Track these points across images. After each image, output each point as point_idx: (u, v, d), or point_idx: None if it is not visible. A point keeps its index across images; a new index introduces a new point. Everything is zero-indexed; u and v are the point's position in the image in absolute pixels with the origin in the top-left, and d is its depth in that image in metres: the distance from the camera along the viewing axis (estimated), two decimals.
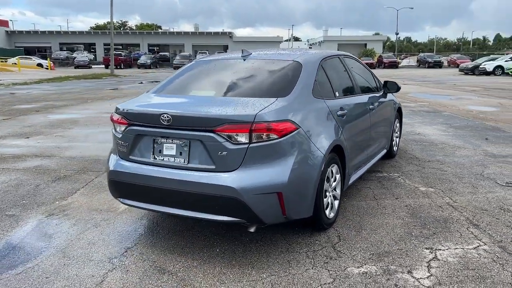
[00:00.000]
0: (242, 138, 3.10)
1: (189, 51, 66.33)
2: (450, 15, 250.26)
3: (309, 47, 72.96)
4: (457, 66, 49.92)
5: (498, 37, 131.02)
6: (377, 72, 40.98)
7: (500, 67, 34.70)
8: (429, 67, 50.88)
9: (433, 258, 3.27)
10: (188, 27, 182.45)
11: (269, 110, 3.18)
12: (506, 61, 35.24)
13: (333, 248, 3.46)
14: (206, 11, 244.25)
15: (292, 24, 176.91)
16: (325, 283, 2.93)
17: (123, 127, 3.59)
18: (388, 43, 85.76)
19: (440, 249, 3.41)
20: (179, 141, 3.31)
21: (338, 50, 66.64)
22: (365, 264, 3.19)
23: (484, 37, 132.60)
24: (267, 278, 3.02)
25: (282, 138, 3.15)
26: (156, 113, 3.35)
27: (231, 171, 3.12)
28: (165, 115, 3.27)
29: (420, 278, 2.98)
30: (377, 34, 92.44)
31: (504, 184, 5.07)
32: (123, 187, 3.56)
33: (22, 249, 3.52)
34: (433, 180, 5.26)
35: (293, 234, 3.72)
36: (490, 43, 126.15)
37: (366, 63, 51.22)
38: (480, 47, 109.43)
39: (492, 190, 4.85)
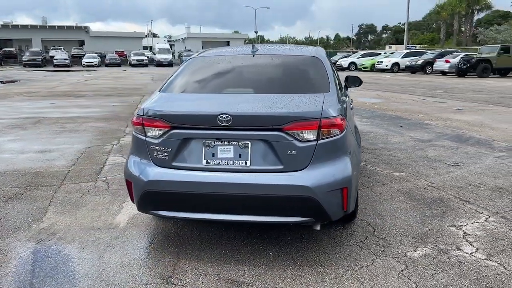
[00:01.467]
0: (310, 135, 3.03)
1: (38, 46, 59.88)
2: (295, 15, 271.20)
3: (170, 44, 71.91)
4: None
5: (337, 37, 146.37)
6: None
7: (353, 63, 39.00)
8: None
9: (464, 234, 3.64)
10: (28, 20, 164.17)
11: (329, 105, 3.16)
12: (358, 58, 39.76)
13: (376, 237, 3.60)
14: (47, 3, 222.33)
15: (150, 20, 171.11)
16: (402, 270, 3.06)
17: (160, 131, 3.19)
18: (247, 41, 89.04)
19: (462, 225, 3.81)
20: (237, 143, 3.08)
21: (202, 47, 66.63)
22: (417, 247, 3.41)
23: (327, 37, 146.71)
24: (346, 273, 3.03)
25: (343, 133, 3.16)
26: (212, 113, 3.06)
27: (301, 169, 3.03)
28: (224, 116, 3.01)
29: (472, 253, 3.30)
30: (236, 32, 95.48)
31: (453, 164, 5.82)
32: (166, 197, 3.18)
33: (44, 285, 2.90)
34: (396, 165, 5.78)
35: (326, 228, 3.75)
36: (332, 42, 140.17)
37: None
38: (324, 46, 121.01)
39: (450, 170, 5.53)
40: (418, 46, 62.18)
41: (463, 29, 47.47)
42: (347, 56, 41.84)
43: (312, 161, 3.04)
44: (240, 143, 3.08)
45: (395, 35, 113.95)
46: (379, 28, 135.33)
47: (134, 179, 3.30)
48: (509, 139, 7.49)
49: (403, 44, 68.39)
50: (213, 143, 3.12)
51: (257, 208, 3.08)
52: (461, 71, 27.21)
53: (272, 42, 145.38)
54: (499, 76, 27.32)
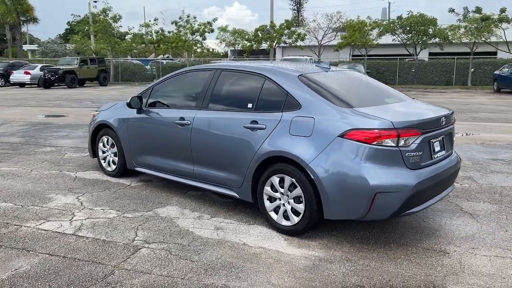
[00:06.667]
0: None
1: None
2: None
3: None
4: None
5: None
6: None
7: None
8: None
9: None
10: None
11: None
12: None
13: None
14: None
15: None
16: None
17: (414, 138, 3.65)
18: None
19: None
20: (440, 138, 4.04)
21: None
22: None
23: None
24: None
25: None
26: (438, 117, 3.95)
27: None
28: (443, 118, 3.98)
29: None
30: None
31: None
32: (419, 195, 3.68)
33: None
34: None
35: None
36: None
37: None
38: None
39: None
40: None
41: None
42: None
43: None
44: (440, 138, 4.06)
45: None
46: None
47: (392, 188, 3.53)
48: None
49: None
50: (433, 140, 3.92)
51: (449, 184, 4.21)
52: (47, 83, 27.19)
53: None
54: (80, 86, 29.11)
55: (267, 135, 4.05)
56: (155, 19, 33.75)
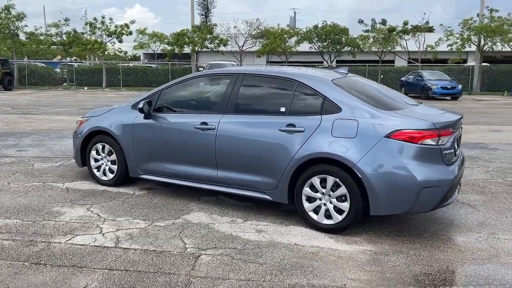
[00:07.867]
0: None
1: None
2: None
3: None
4: None
5: None
6: None
7: None
8: None
9: None
10: None
11: None
12: None
13: None
14: None
15: None
16: None
17: (448, 137, 4.06)
18: None
19: None
20: (458, 137, 4.50)
21: None
22: None
23: None
24: None
25: None
26: (459, 118, 4.42)
27: None
28: (461, 119, 4.44)
29: None
30: None
31: None
32: (451, 189, 4.08)
33: None
34: None
35: None
36: None
37: None
38: None
39: None
40: None
41: None
42: None
43: None
44: (457, 137, 4.51)
45: None
46: None
47: (435, 183, 3.89)
48: None
49: None
50: (453, 139, 4.35)
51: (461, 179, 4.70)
52: None
53: None
54: None
55: (306, 137, 4.19)
56: (66, 20, 31.63)
